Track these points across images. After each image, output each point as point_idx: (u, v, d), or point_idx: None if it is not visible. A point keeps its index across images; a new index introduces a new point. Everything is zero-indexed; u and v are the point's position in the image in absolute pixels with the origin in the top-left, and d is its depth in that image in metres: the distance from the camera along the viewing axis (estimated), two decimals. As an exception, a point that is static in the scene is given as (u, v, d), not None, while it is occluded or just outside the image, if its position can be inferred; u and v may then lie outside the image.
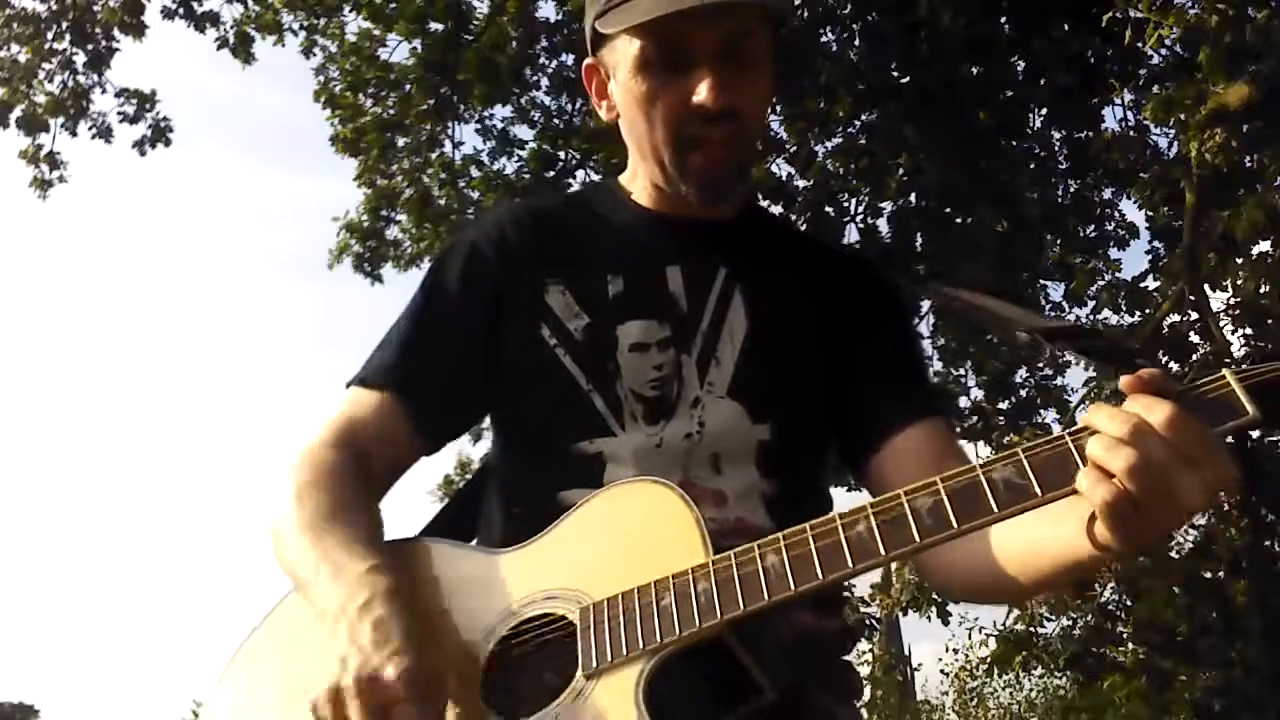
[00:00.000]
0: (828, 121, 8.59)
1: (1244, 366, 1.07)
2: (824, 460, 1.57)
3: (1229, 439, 1.05)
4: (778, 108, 7.99)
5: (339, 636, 1.23)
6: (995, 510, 1.09)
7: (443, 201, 9.42)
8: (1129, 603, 8.45)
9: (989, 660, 9.69)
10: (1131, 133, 8.16)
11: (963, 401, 9.08)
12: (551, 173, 9.18)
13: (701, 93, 1.41)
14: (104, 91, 9.22)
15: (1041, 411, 8.93)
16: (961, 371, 9.14)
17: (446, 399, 1.55)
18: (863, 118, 8.68)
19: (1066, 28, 7.79)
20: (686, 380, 1.47)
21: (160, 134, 9.37)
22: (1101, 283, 8.57)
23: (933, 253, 8.18)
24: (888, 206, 8.72)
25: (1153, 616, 8.21)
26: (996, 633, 9.01)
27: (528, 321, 1.51)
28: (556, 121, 9.36)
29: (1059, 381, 8.99)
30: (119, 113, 9.27)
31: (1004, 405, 8.95)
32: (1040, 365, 8.97)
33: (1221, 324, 7.59)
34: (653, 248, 1.55)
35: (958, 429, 8.58)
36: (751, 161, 1.68)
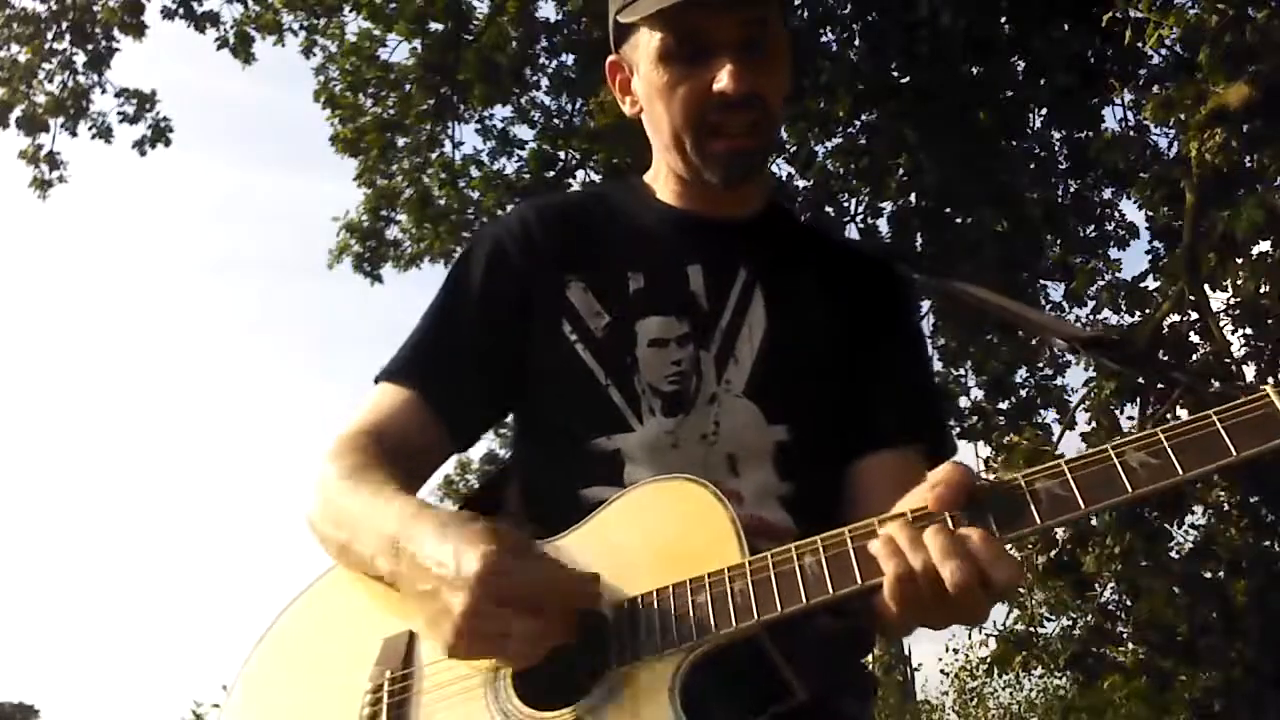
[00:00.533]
0: (828, 121, 8.60)
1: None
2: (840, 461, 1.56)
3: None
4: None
5: (414, 572, 1.25)
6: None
7: (443, 201, 9.42)
8: (1129, 603, 8.44)
9: (989, 660, 9.67)
10: (1131, 133, 8.17)
11: (963, 401, 9.09)
12: (551, 173, 9.18)
13: (723, 80, 1.42)
14: (104, 91, 9.25)
15: (1041, 411, 8.95)
16: (961, 371, 9.15)
17: (470, 395, 1.55)
18: (863, 118, 8.69)
19: (1066, 28, 7.80)
20: (705, 376, 1.47)
21: (160, 134, 9.38)
22: (1101, 283, 8.58)
23: (933, 253, 8.19)
24: (888, 206, 8.75)
25: (1153, 616, 8.20)
26: (996, 633, 9.00)
27: (549, 318, 1.51)
28: (556, 121, 9.36)
29: (1059, 381, 9.01)
30: (119, 113, 9.30)
31: (1004, 405, 8.95)
32: (1040, 365, 8.98)
33: (1221, 324, 7.59)
34: (674, 246, 1.55)
35: (957, 429, 8.60)
36: (772, 149, 1.69)
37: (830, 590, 1.15)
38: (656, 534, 1.29)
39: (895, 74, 8.23)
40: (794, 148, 8.43)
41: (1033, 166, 8.62)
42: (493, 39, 8.97)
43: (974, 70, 8.16)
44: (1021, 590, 8.89)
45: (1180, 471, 1.09)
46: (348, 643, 1.37)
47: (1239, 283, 7.70)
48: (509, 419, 1.65)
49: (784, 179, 8.58)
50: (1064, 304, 8.75)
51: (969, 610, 1.15)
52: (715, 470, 1.43)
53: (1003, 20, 8.08)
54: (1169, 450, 1.09)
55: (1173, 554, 8.33)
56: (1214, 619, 8.15)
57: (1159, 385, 7.40)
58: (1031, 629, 9.17)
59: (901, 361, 1.59)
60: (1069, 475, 1.12)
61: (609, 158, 8.59)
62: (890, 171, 8.49)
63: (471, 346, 1.55)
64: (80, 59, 9.09)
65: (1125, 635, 8.75)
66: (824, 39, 8.36)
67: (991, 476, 1.21)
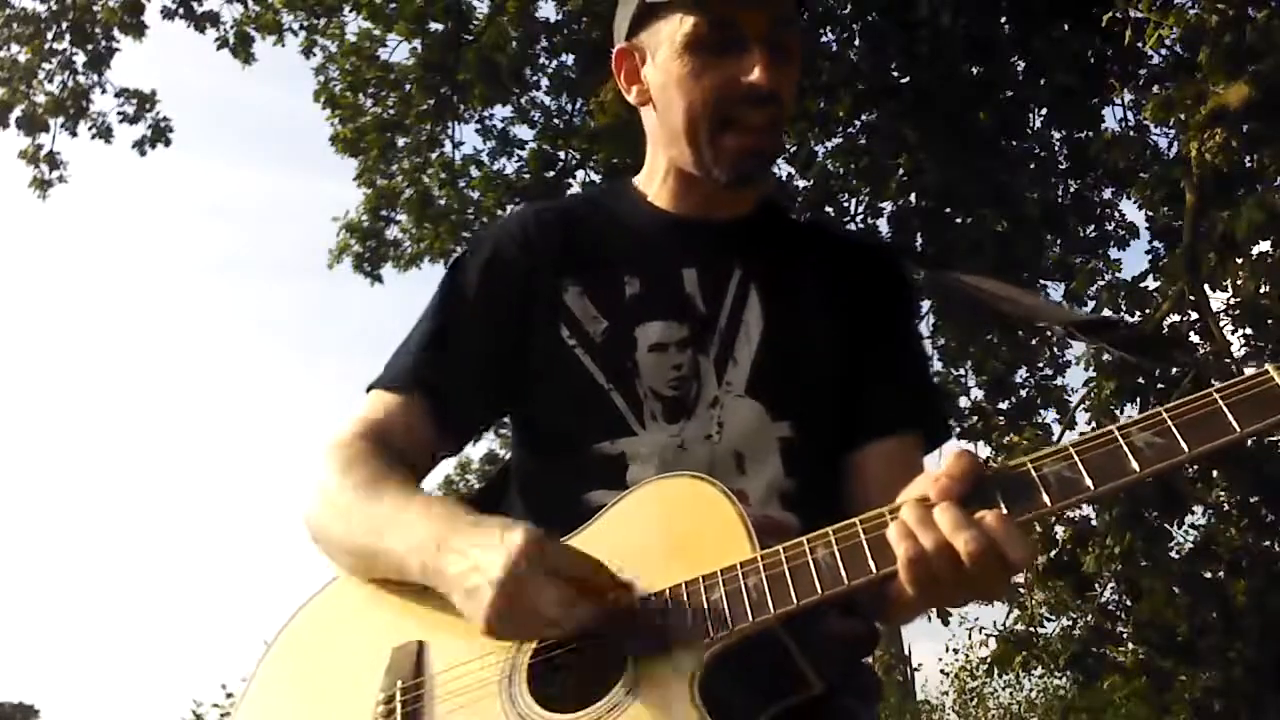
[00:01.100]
0: (828, 121, 8.59)
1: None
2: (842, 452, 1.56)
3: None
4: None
5: (446, 561, 1.27)
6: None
7: (443, 201, 9.42)
8: (1129, 603, 8.44)
9: (989, 660, 9.67)
10: (1131, 133, 8.17)
11: (963, 401, 9.09)
12: (551, 173, 9.19)
13: (755, 73, 1.43)
14: (104, 91, 9.25)
15: (1041, 411, 8.94)
16: (961, 371, 9.15)
17: (468, 400, 1.55)
18: (863, 118, 8.68)
19: (1066, 28, 7.80)
20: (705, 381, 1.47)
21: (160, 134, 9.38)
22: (1101, 283, 8.58)
23: (933, 253, 8.17)
24: (888, 206, 8.75)
25: (1153, 616, 8.21)
26: (996, 633, 9.01)
27: (547, 322, 1.51)
28: (556, 121, 9.36)
29: (1059, 381, 9.01)
30: (119, 113, 9.30)
31: (1004, 405, 8.95)
32: (1040, 365, 8.98)
33: (1221, 324, 7.59)
34: (669, 250, 1.55)
35: (957, 429, 8.60)
36: (780, 151, 1.70)
37: (846, 581, 1.15)
38: (666, 531, 1.29)
39: (895, 74, 8.23)
40: (794, 148, 8.42)
41: (1033, 166, 8.62)
42: (493, 39, 8.96)
43: (974, 70, 8.16)
44: (1021, 590, 8.89)
45: (1186, 449, 1.08)
46: (356, 652, 1.37)
47: (1239, 283, 7.70)
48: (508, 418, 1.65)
49: (784, 179, 8.58)
50: (1064, 304, 8.74)
51: (986, 585, 1.14)
52: (723, 468, 1.43)
53: (1003, 20, 8.08)
54: (1174, 429, 1.09)
55: (1173, 554, 8.33)
56: (1214, 619, 8.15)
57: (1159, 385, 7.39)
58: (1031, 629, 9.16)
59: (898, 350, 1.59)
60: (1076, 457, 1.11)
61: (609, 158, 8.59)
62: (890, 171, 8.48)
63: (469, 351, 1.54)
64: (80, 59, 9.09)
65: (1125, 635, 8.76)
66: (824, 39, 8.36)
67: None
